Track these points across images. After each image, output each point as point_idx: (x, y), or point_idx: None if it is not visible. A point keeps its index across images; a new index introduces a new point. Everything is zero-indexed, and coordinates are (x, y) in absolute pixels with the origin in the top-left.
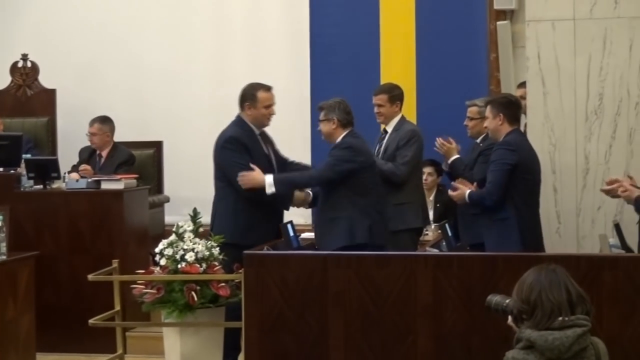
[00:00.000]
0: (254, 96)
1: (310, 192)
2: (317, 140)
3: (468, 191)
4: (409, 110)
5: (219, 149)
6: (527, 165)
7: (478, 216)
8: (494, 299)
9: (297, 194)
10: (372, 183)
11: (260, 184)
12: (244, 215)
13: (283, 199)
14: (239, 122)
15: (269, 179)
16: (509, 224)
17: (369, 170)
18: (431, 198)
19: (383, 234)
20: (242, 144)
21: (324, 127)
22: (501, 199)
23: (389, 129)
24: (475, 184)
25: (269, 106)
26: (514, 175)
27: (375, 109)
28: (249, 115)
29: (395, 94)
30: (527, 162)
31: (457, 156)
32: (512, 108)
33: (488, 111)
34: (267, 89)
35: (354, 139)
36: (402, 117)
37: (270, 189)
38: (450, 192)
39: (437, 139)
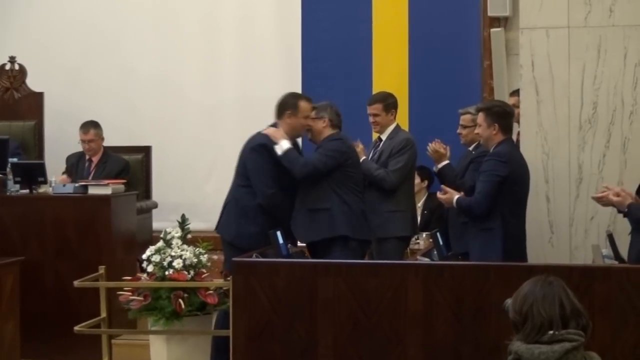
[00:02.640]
0: (296, 105)
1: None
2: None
3: (457, 196)
4: (401, 117)
5: (248, 150)
6: (517, 177)
7: (467, 225)
8: (508, 303)
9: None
10: (357, 180)
11: (277, 140)
12: (253, 221)
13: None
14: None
15: (285, 144)
16: (493, 234)
17: (356, 167)
18: (420, 204)
19: (366, 229)
20: (273, 154)
21: (315, 124)
22: (489, 209)
23: (384, 137)
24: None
25: (307, 117)
26: (504, 187)
27: (371, 119)
28: (288, 123)
29: (389, 103)
30: (517, 174)
31: (447, 162)
32: (507, 118)
33: (481, 119)
34: (309, 100)
35: (342, 138)
36: (397, 126)
37: (280, 150)
38: (439, 195)
39: (432, 142)
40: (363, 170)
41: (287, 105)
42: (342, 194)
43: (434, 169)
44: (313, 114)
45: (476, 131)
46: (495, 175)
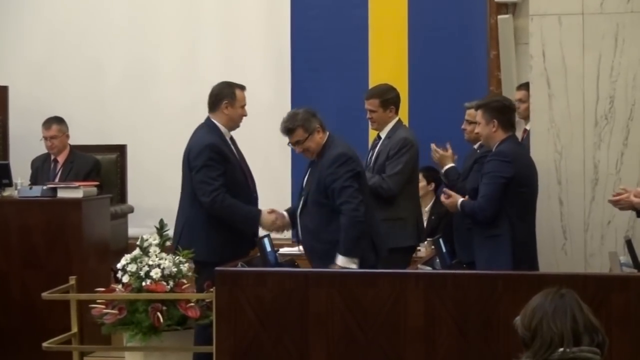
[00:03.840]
0: (233, 94)
1: (285, 213)
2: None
3: (460, 200)
4: (401, 113)
5: (195, 155)
6: (523, 178)
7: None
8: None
9: (267, 216)
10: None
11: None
12: (218, 230)
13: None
14: (211, 126)
15: (340, 260)
16: (501, 241)
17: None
18: (427, 209)
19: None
20: (221, 153)
21: (312, 142)
22: (494, 214)
23: (383, 135)
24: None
25: (243, 106)
26: (509, 189)
27: (367, 115)
28: (226, 115)
29: (388, 98)
30: (523, 174)
31: (452, 165)
32: (507, 113)
33: (480, 116)
34: (243, 88)
35: (342, 145)
36: (398, 122)
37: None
38: (442, 199)
39: (432, 145)
40: None
41: (223, 96)
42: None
43: (441, 171)
44: (300, 133)
45: (476, 130)
46: (499, 177)
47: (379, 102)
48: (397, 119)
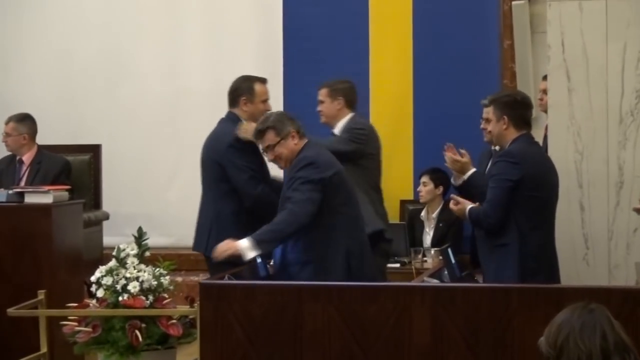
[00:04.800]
0: (251, 89)
1: None
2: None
3: (469, 206)
4: (405, 109)
5: (224, 148)
6: (534, 180)
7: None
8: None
9: None
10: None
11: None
12: (251, 225)
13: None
14: (235, 119)
15: (243, 243)
16: (508, 251)
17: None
18: (434, 215)
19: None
20: (250, 145)
21: (284, 148)
22: (499, 221)
23: (336, 131)
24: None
25: (266, 101)
26: (517, 193)
27: (317, 107)
28: (245, 111)
29: (338, 88)
30: (534, 176)
31: (474, 170)
32: (518, 109)
33: (490, 112)
34: (263, 81)
35: (313, 150)
36: (353, 117)
37: (251, 252)
38: (451, 206)
39: (445, 152)
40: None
41: (241, 91)
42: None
43: (454, 182)
44: (272, 136)
45: (488, 129)
46: (505, 180)
47: (327, 92)
48: (351, 115)
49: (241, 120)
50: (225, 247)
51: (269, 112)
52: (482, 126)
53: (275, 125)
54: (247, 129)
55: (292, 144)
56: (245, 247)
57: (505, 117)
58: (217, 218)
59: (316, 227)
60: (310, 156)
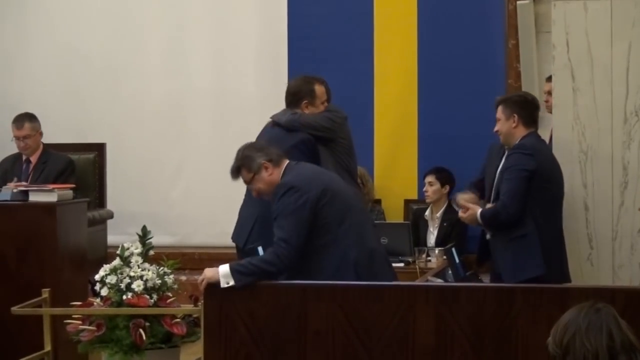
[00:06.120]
0: (312, 92)
1: None
2: None
3: (480, 210)
4: (409, 108)
5: (292, 147)
6: (547, 172)
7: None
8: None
9: None
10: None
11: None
12: None
13: None
14: None
15: (223, 269)
16: (528, 242)
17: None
18: (438, 215)
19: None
20: (315, 148)
21: (260, 183)
22: (518, 212)
23: None
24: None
25: (325, 101)
26: (533, 184)
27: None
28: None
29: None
30: (546, 168)
31: (480, 211)
32: (528, 108)
33: (500, 112)
34: (322, 82)
35: (292, 174)
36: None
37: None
38: (460, 215)
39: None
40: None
41: (302, 94)
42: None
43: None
44: (245, 175)
45: (495, 128)
46: (522, 170)
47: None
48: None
49: None
50: (207, 275)
51: (240, 147)
52: (496, 129)
53: (244, 162)
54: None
55: (267, 176)
56: (222, 274)
57: (515, 115)
58: (261, 216)
59: (322, 247)
60: (289, 181)
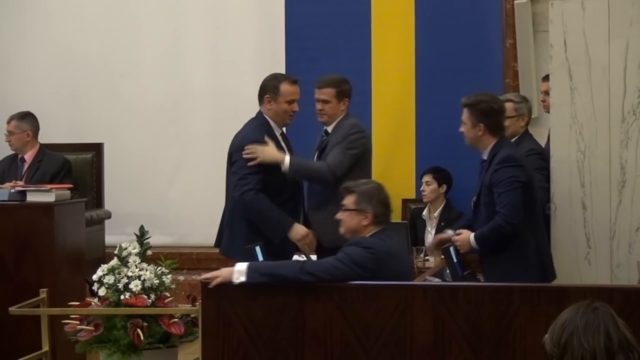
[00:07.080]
0: (276, 88)
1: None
2: (293, 146)
3: (472, 234)
4: (406, 107)
5: (235, 149)
6: (531, 182)
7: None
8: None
9: (299, 228)
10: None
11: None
12: (250, 230)
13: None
14: (259, 119)
15: (240, 265)
16: (527, 250)
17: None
18: (436, 214)
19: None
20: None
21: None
22: (520, 223)
23: (330, 129)
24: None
25: (292, 102)
26: (525, 194)
27: (318, 106)
28: (269, 110)
29: (344, 89)
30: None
31: (473, 236)
32: (494, 116)
33: (465, 116)
34: (293, 81)
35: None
36: (347, 115)
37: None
38: (454, 238)
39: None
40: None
41: (266, 89)
42: None
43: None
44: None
45: (461, 129)
46: (516, 182)
47: (334, 93)
48: (345, 114)
49: (267, 121)
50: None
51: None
52: (460, 130)
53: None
54: (264, 151)
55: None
56: (238, 269)
57: (481, 124)
58: (229, 219)
59: None
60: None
